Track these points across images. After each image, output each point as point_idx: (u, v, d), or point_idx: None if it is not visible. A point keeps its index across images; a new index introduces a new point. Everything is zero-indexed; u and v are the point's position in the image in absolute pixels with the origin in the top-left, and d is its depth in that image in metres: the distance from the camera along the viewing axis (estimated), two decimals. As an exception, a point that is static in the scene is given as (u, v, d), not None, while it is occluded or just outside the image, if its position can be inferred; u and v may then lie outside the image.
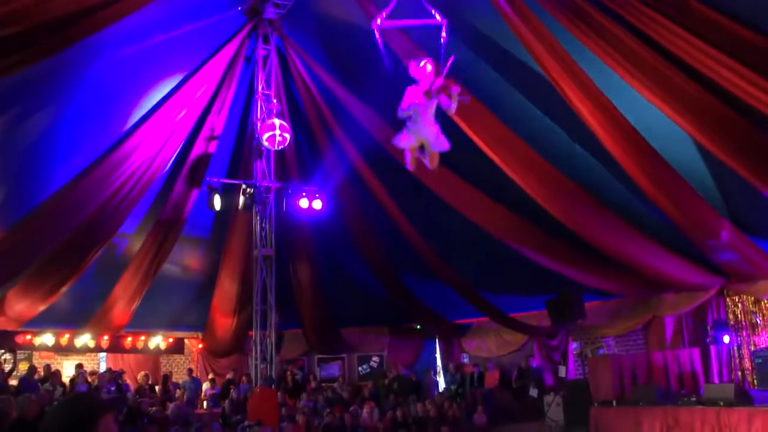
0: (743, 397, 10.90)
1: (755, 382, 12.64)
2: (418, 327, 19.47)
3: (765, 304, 13.42)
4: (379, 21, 8.51)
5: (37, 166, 11.93)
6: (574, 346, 16.55)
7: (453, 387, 17.87)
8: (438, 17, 8.44)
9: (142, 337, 16.81)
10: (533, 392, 16.06)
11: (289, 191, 14.58)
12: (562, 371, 15.37)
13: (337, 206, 15.41)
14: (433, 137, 8.13)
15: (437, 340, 19.77)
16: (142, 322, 16.46)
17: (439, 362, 19.70)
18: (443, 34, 8.39)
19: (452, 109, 8.03)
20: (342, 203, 15.49)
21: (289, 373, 17.46)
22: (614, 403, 12.76)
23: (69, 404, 2.63)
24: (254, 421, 12.25)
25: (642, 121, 10.32)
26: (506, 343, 18.00)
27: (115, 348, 16.53)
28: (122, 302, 15.34)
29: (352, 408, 14.51)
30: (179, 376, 17.53)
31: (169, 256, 15.28)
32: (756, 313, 13.44)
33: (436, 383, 18.43)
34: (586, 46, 9.58)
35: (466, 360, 18.93)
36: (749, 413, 10.35)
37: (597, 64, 9.71)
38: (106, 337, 15.98)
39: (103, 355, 17.19)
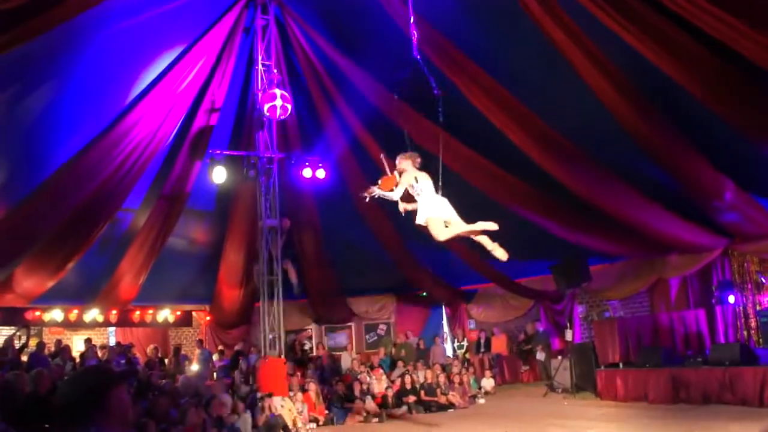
0: (749, 357, 10.98)
1: (761, 341, 12.69)
2: (425, 294, 19.56)
3: (770, 263, 13.43)
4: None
5: (40, 144, 11.88)
6: (579, 310, 16.61)
7: (460, 352, 18.03)
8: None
9: (150, 311, 16.91)
10: (540, 356, 16.22)
11: (292, 161, 14.52)
12: (568, 335, 15.47)
13: (341, 175, 15.37)
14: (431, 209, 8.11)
15: (444, 306, 19.87)
16: (150, 296, 16.54)
17: (446, 328, 19.82)
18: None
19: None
20: (346, 172, 15.44)
21: (297, 342, 17.61)
22: (621, 365, 12.85)
23: (81, 377, 2.63)
24: (265, 392, 12.35)
25: (642, 77, 10.23)
26: (512, 308, 18.11)
27: (123, 322, 16.64)
28: (129, 277, 15.41)
29: (360, 375, 14.62)
30: (188, 349, 17.66)
31: (174, 229, 15.31)
32: (761, 272, 13.45)
33: (444, 349, 18.55)
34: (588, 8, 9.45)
35: (472, 326, 19.04)
36: (755, 372, 10.43)
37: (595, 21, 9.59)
38: (114, 312, 16.09)
39: (112, 329, 17.33)
